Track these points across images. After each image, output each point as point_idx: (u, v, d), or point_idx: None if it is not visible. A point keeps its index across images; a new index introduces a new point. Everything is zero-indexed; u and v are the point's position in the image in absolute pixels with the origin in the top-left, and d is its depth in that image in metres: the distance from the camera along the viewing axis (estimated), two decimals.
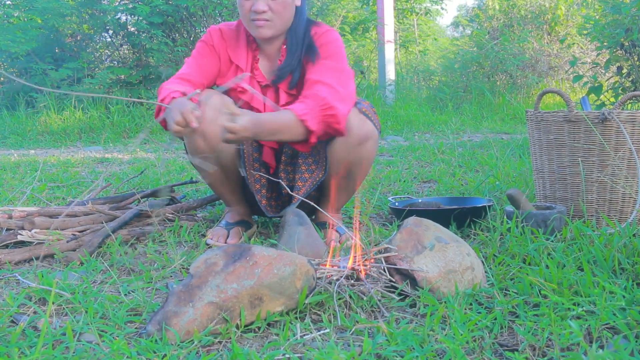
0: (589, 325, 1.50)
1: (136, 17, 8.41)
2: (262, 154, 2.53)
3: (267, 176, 2.43)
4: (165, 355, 1.42)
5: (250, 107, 2.46)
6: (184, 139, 2.42)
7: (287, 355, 1.42)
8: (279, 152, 2.53)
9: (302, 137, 2.24)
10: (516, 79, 9.69)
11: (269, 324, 1.60)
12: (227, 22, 2.61)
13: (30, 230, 2.31)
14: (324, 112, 2.23)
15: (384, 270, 1.80)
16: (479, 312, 1.64)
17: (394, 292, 1.76)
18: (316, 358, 1.34)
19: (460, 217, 2.49)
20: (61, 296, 1.77)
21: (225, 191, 2.54)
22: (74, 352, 1.43)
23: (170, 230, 2.54)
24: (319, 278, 1.73)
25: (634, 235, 2.07)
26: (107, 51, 9.33)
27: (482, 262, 2.00)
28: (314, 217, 2.60)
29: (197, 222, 2.65)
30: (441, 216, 2.48)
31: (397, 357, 1.41)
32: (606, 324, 1.52)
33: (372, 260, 1.83)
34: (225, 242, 2.42)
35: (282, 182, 2.38)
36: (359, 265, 1.78)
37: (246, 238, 2.48)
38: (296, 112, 2.19)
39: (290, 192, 2.35)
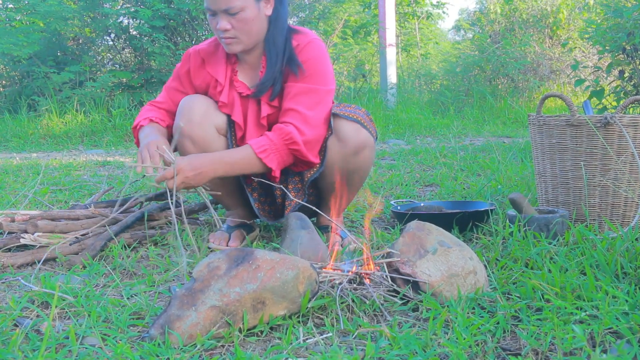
0: (592, 330, 1.50)
1: (138, 21, 8.42)
2: None
3: (264, 181, 2.42)
4: (168, 359, 1.42)
5: (231, 121, 2.46)
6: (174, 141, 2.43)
7: (289, 359, 1.42)
8: None
9: (263, 170, 2.32)
10: (518, 82, 9.69)
11: (271, 328, 1.60)
12: (206, 39, 2.61)
13: (32, 234, 2.31)
14: (288, 147, 2.29)
15: (386, 277, 1.80)
16: (482, 316, 1.64)
17: (396, 296, 1.76)
18: None
19: (463, 221, 2.49)
20: (64, 300, 1.77)
21: (223, 195, 2.54)
22: (76, 356, 1.43)
23: (172, 234, 2.54)
24: (321, 282, 1.73)
25: (636, 239, 2.06)
26: (109, 54, 9.35)
27: (485, 266, 2.00)
28: (315, 220, 2.60)
29: (199, 226, 2.65)
30: (443, 220, 2.48)
31: None
32: (609, 328, 1.52)
33: (377, 268, 1.83)
34: (227, 246, 2.42)
35: (285, 189, 2.39)
36: (363, 269, 1.78)
37: (249, 242, 2.48)
38: (254, 148, 2.26)
39: (289, 194, 2.36)
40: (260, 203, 2.52)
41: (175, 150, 2.33)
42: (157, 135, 2.35)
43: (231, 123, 2.45)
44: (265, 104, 2.41)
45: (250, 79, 2.46)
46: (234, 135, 2.46)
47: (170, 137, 2.48)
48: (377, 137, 2.47)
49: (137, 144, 2.43)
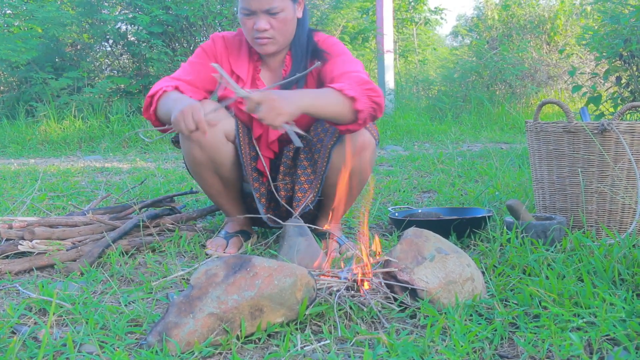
0: (589, 337, 1.50)
1: (136, 27, 8.43)
2: (256, 162, 2.51)
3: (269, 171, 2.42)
4: None
5: (252, 118, 2.46)
6: (181, 146, 2.43)
7: None
8: (278, 162, 2.53)
9: (347, 107, 2.14)
10: (515, 88, 9.70)
11: (269, 335, 1.60)
12: (228, 31, 2.62)
13: (30, 241, 2.31)
14: (363, 87, 2.19)
15: (382, 285, 1.80)
16: (479, 323, 1.64)
17: (394, 303, 1.76)
18: None
19: (460, 227, 2.50)
20: (61, 307, 1.77)
21: (224, 201, 2.55)
22: None
23: (170, 241, 2.54)
24: (319, 289, 1.73)
25: (633, 245, 2.07)
26: (107, 60, 9.35)
27: (482, 273, 2.01)
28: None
29: (197, 233, 2.65)
30: (441, 227, 2.49)
31: None
32: (606, 335, 1.52)
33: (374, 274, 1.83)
34: (224, 252, 2.42)
35: (298, 182, 2.41)
36: (361, 277, 1.78)
37: (247, 248, 2.48)
38: (333, 87, 2.15)
39: (287, 207, 2.36)
40: (265, 209, 2.52)
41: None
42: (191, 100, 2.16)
43: (238, 128, 2.43)
44: None
45: (270, 79, 2.50)
46: (245, 137, 2.46)
47: None
48: (378, 142, 2.47)
49: (152, 114, 2.31)
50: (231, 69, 2.49)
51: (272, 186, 2.45)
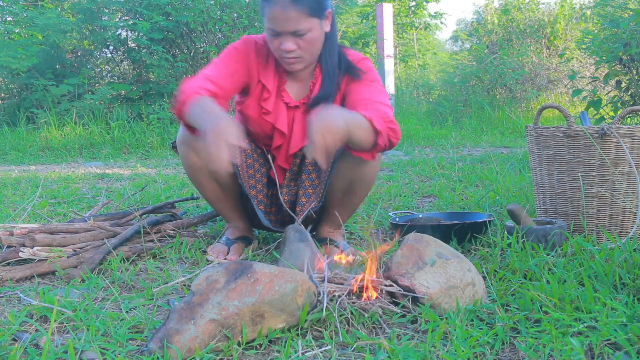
0: (590, 342, 1.50)
1: (136, 33, 8.44)
2: (268, 169, 2.52)
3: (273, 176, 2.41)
4: None
5: (275, 129, 2.45)
6: (178, 151, 2.43)
7: None
8: (282, 167, 2.53)
9: (371, 138, 2.10)
10: (515, 92, 9.71)
11: (270, 341, 1.60)
12: (257, 35, 2.51)
13: (31, 248, 2.31)
14: (387, 124, 2.17)
15: (383, 292, 1.80)
16: (480, 328, 1.64)
17: (395, 307, 1.76)
18: None
19: (461, 232, 2.50)
20: (63, 314, 1.77)
21: (224, 207, 2.55)
22: None
23: (171, 247, 2.54)
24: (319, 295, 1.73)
25: (634, 250, 2.07)
26: (107, 67, 9.37)
27: (483, 277, 2.01)
28: (314, 232, 2.60)
29: (198, 239, 2.65)
30: (442, 231, 2.49)
31: None
32: (607, 339, 1.52)
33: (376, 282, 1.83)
34: (225, 259, 2.42)
35: (302, 187, 2.43)
36: (367, 285, 1.78)
37: (248, 254, 2.48)
38: (364, 115, 2.09)
39: (291, 213, 2.36)
40: (267, 214, 2.52)
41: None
42: (228, 116, 2.02)
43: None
44: None
45: (297, 91, 2.46)
46: (261, 146, 2.46)
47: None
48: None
49: (181, 116, 2.20)
50: (258, 77, 2.44)
51: (279, 192, 2.45)
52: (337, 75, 2.40)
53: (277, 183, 2.48)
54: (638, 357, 1.43)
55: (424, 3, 13.57)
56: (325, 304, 1.67)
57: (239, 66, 2.39)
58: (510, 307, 1.79)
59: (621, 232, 2.46)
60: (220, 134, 1.87)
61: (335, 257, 1.94)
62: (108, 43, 8.81)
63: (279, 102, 2.44)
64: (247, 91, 2.45)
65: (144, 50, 8.37)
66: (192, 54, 8.44)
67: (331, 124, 1.89)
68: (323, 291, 1.71)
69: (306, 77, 2.46)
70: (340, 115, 1.96)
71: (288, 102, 2.44)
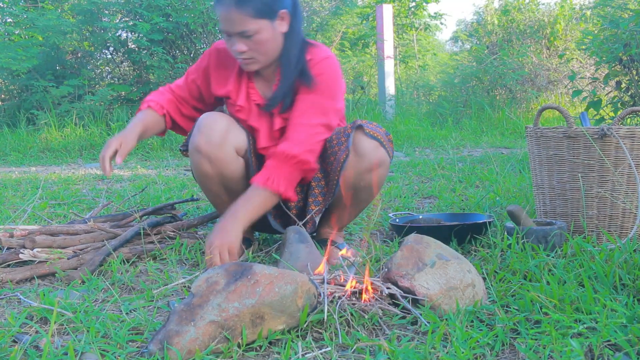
0: (590, 343, 1.50)
1: (137, 34, 8.44)
2: None
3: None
4: None
5: (249, 126, 2.46)
6: (190, 158, 2.43)
7: None
8: None
9: (277, 198, 2.32)
10: (515, 93, 9.71)
11: (270, 343, 1.61)
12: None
13: (31, 249, 2.31)
14: (293, 165, 2.30)
15: (383, 294, 1.80)
16: (480, 330, 1.64)
17: (395, 309, 1.76)
18: None
19: (461, 233, 2.50)
20: (63, 315, 1.77)
21: (226, 210, 2.54)
22: None
23: (171, 248, 2.54)
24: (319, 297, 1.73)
25: (634, 250, 2.07)
26: (107, 68, 9.37)
27: (483, 278, 2.01)
28: (315, 234, 2.60)
29: (198, 240, 2.65)
30: (442, 233, 2.49)
31: None
32: (607, 341, 1.52)
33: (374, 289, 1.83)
34: None
35: (310, 189, 2.47)
36: (366, 288, 1.78)
37: (248, 255, 2.48)
38: (257, 181, 2.28)
39: (298, 222, 2.39)
40: (274, 216, 2.52)
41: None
42: (134, 128, 2.44)
43: (249, 141, 2.45)
44: (277, 117, 2.41)
45: (264, 91, 2.47)
46: (253, 147, 2.48)
47: (164, 126, 2.59)
48: (392, 158, 2.47)
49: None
50: (222, 82, 2.50)
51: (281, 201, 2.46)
52: (294, 76, 2.39)
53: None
54: (638, 358, 1.43)
55: (424, 4, 13.57)
56: (325, 306, 1.67)
57: (197, 74, 2.56)
58: (510, 308, 1.79)
59: (621, 232, 2.46)
60: (109, 144, 2.37)
61: (340, 254, 1.96)
62: (108, 44, 8.81)
63: (249, 101, 2.46)
64: (223, 88, 2.51)
65: (144, 52, 8.38)
66: (192, 55, 8.44)
67: (227, 242, 2.21)
68: (323, 293, 1.71)
69: (269, 78, 2.47)
70: (235, 224, 2.24)
71: (256, 100, 2.46)
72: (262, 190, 2.27)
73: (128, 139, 2.40)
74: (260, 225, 2.56)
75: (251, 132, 2.50)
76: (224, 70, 2.51)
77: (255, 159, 2.46)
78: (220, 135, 2.34)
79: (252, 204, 2.28)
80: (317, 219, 2.46)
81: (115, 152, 2.36)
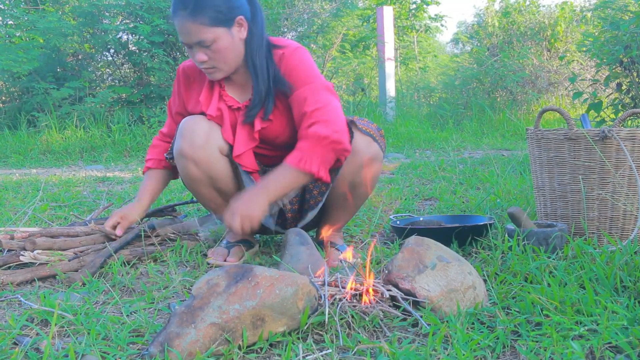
0: (591, 345, 1.50)
1: (137, 36, 8.45)
2: (262, 172, 2.51)
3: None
4: None
5: (233, 134, 2.45)
6: (176, 163, 2.43)
7: None
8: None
9: (309, 179, 2.28)
10: (516, 95, 9.71)
11: (271, 345, 1.60)
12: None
13: (32, 251, 2.31)
14: (323, 144, 2.24)
15: (383, 296, 1.80)
16: (481, 332, 1.64)
17: (396, 311, 1.76)
18: None
19: (462, 235, 2.50)
20: (63, 317, 1.77)
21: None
22: None
23: (172, 250, 2.54)
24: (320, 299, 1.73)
25: (635, 252, 2.07)
26: (108, 70, 9.37)
27: (484, 280, 2.00)
28: (314, 235, 2.60)
29: (198, 242, 2.65)
30: (442, 235, 2.49)
31: None
32: (608, 343, 1.52)
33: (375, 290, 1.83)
34: (225, 262, 2.42)
35: (310, 189, 2.46)
36: (365, 287, 1.78)
37: (248, 257, 2.48)
38: (290, 162, 2.24)
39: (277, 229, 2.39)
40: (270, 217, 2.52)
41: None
42: (141, 202, 2.57)
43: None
44: (257, 119, 2.40)
45: (239, 94, 2.46)
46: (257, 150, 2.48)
47: (171, 176, 2.66)
48: (385, 152, 2.48)
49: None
50: (194, 96, 2.50)
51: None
52: (267, 83, 2.37)
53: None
54: None
55: (425, 6, 13.58)
56: (326, 308, 1.66)
57: (177, 103, 2.60)
58: (511, 310, 1.79)
59: (622, 234, 2.46)
60: (112, 215, 2.52)
61: (341, 256, 1.96)
62: (109, 46, 8.82)
63: (222, 105, 2.44)
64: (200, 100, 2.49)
65: (144, 54, 8.38)
66: None
67: (250, 212, 2.20)
68: (324, 295, 1.71)
69: (243, 82, 2.46)
70: (262, 197, 2.23)
71: (231, 104, 2.43)
72: (295, 169, 2.23)
73: (130, 216, 2.53)
74: (261, 227, 2.56)
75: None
76: (193, 86, 2.52)
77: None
78: (203, 138, 2.34)
79: (284, 181, 2.25)
80: (313, 213, 2.45)
81: (117, 225, 2.50)
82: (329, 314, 1.68)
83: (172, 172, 2.62)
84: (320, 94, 2.32)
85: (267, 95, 2.37)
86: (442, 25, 14.55)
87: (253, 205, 2.21)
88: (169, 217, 2.85)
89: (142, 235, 2.53)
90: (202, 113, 2.43)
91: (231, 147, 2.41)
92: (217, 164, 2.38)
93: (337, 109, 2.31)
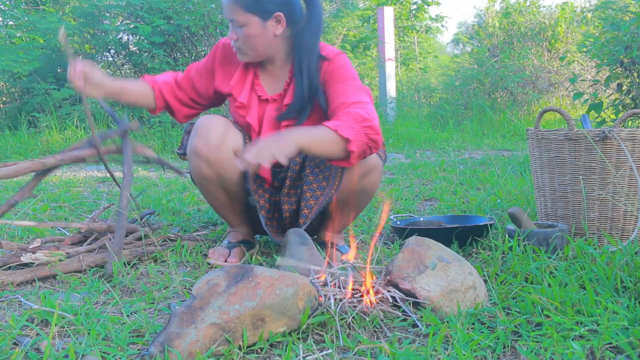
0: (592, 345, 1.50)
1: (138, 37, 8.45)
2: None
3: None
4: None
5: (247, 123, 2.47)
6: (188, 161, 2.43)
7: None
8: (284, 175, 2.50)
9: (338, 147, 2.15)
10: (517, 95, 9.72)
11: (271, 345, 1.60)
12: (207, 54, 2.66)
13: (32, 252, 2.31)
14: (360, 124, 2.17)
15: (384, 296, 1.80)
16: (482, 332, 1.64)
17: (396, 311, 1.76)
18: None
19: (462, 235, 2.50)
20: (63, 318, 1.77)
21: (230, 213, 2.54)
22: None
23: (172, 250, 2.54)
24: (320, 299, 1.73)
25: (636, 253, 2.07)
26: (109, 70, 9.37)
27: (485, 281, 2.00)
28: (315, 236, 2.60)
29: (198, 242, 2.65)
30: (443, 235, 2.49)
31: None
32: (609, 343, 1.52)
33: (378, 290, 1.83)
34: (226, 262, 2.42)
35: (310, 190, 2.43)
36: (367, 291, 1.78)
37: (249, 258, 2.48)
38: (328, 125, 2.14)
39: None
40: (269, 219, 2.51)
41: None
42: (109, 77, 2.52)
43: (246, 142, 2.45)
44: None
45: (271, 86, 2.49)
46: (248, 140, 2.48)
47: (153, 100, 2.64)
48: (385, 161, 2.47)
49: None
50: (227, 76, 2.52)
51: (281, 198, 2.45)
52: (309, 89, 2.37)
53: (269, 180, 2.49)
54: None
55: (425, 6, 13.58)
56: (326, 308, 1.66)
57: (199, 72, 2.60)
58: (511, 310, 1.79)
59: (622, 235, 2.46)
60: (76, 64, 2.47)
61: (343, 257, 1.96)
62: (109, 47, 8.82)
63: (252, 95, 2.47)
64: (228, 84, 2.52)
65: (145, 54, 8.38)
66: (193, 58, 8.44)
67: (276, 147, 2.02)
68: (324, 295, 1.71)
69: (279, 74, 2.49)
70: (292, 140, 2.06)
71: (261, 95, 2.46)
72: (330, 130, 2.12)
73: (96, 76, 2.51)
74: (261, 229, 2.57)
75: (247, 130, 2.50)
76: (229, 65, 2.54)
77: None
78: (219, 138, 2.34)
79: (317, 134, 2.13)
80: (308, 224, 2.45)
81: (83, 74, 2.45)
82: (329, 314, 1.68)
83: (155, 102, 2.63)
84: (361, 93, 2.33)
85: (307, 101, 2.39)
86: (442, 25, 14.53)
87: (281, 140, 2.06)
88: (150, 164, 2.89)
89: (142, 236, 2.52)
90: (229, 95, 2.50)
91: (244, 142, 2.43)
92: (231, 166, 2.37)
93: (375, 111, 2.28)
